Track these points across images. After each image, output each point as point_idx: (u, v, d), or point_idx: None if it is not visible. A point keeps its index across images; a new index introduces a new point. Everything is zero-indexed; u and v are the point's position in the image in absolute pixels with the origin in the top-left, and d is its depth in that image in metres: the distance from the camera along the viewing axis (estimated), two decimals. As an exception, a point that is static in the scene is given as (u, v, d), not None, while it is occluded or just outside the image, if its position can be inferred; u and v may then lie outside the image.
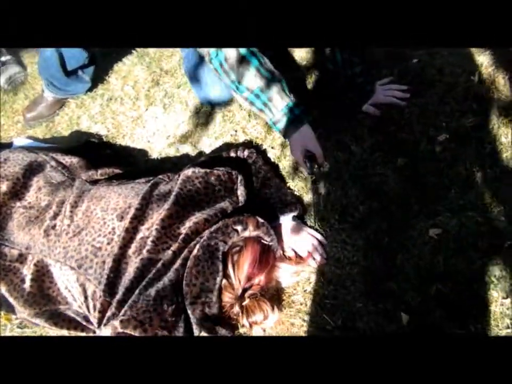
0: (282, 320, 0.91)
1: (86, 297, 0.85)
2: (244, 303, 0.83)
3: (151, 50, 1.55)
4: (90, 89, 1.49)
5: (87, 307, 0.85)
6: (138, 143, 1.36)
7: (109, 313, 0.80)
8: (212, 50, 0.92)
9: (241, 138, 1.23)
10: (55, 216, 0.94)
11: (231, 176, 0.96)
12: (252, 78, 0.92)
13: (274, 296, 0.93)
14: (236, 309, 0.83)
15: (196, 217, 0.88)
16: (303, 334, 0.89)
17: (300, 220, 1.02)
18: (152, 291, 0.79)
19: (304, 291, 0.95)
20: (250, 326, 0.84)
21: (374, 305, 0.87)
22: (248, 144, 1.20)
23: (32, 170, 1.05)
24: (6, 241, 0.95)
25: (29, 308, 0.89)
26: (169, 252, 0.84)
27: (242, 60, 0.92)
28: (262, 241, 0.89)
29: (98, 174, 1.07)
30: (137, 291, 0.79)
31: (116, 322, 0.75)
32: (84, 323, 0.89)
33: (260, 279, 0.85)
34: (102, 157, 1.28)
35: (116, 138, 1.39)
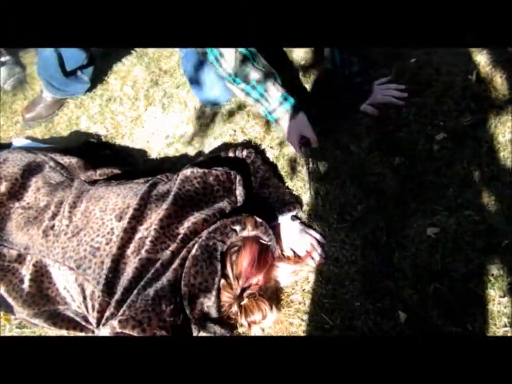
0: (281, 319, 0.92)
1: (84, 298, 0.86)
2: (242, 303, 0.84)
3: (150, 51, 1.56)
4: (89, 90, 1.50)
5: (86, 307, 0.86)
6: (137, 143, 1.36)
7: (107, 313, 0.80)
8: None
9: (240, 138, 1.24)
10: (54, 216, 0.94)
11: (229, 176, 0.97)
12: (248, 71, 0.97)
13: (273, 295, 0.93)
14: (235, 308, 0.83)
15: (195, 217, 0.88)
16: (301, 334, 0.90)
17: (299, 220, 1.02)
18: (150, 291, 0.79)
19: (303, 290, 0.95)
20: (249, 325, 0.84)
21: (372, 304, 0.87)
22: (247, 144, 1.20)
23: (30, 170, 1.05)
24: (5, 242, 0.95)
25: (28, 308, 0.90)
26: (168, 252, 0.84)
27: (238, 54, 0.96)
28: (261, 241, 0.89)
29: (97, 174, 1.07)
30: (135, 291, 0.79)
31: (115, 322, 0.75)
32: (83, 323, 0.89)
33: (258, 278, 0.86)
34: (101, 157, 1.29)
35: (115, 138, 1.40)
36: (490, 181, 0.93)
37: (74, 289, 0.88)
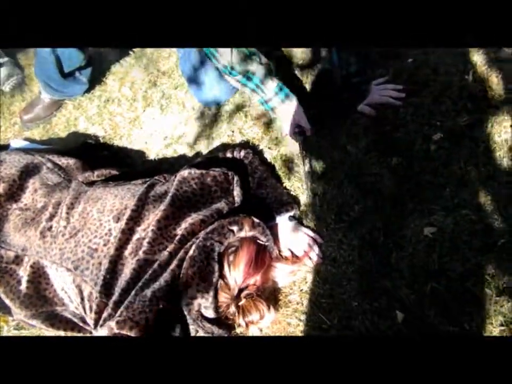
0: (278, 319, 0.92)
1: (82, 299, 0.86)
2: (240, 303, 0.84)
3: (148, 52, 1.56)
4: (87, 91, 1.50)
5: (84, 308, 0.86)
6: (135, 144, 1.36)
7: (105, 314, 0.80)
8: None
9: (238, 139, 1.24)
10: (51, 217, 0.94)
11: (227, 177, 0.97)
12: (244, 63, 1.00)
13: (271, 295, 0.93)
14: (232, 309, 0.84)
15: (192, 218, 0.88)
16: (299, 334, 0.90)
17: (296, 220, 1.02)
18: (148, 292, 0.79)
19: (301, 290, 0.95)
20: (247, 325, 0.85)
21: (369, 304, 0.87)
22: (245, 145, 1.21)
23: (28, 172, 1.05)
24: (2, 243, 0.95)
25: (26, 310, 0.90)
26: (165, 253, 0.84)
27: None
28: (258, 241, 0.89)
29: (94, 175, 1.07)
30: (133, 292, 0.79)
31: (112, 323, 0.75)
32: (81, 324, 0.89)
33: (256, 279, 0.86)
34: (99, 158, 1.29)
35: (113, 139, 1.40)
36: (487, 181, 0.94)
37: (72, 290, 0.88)
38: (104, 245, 0.87)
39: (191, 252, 0.83)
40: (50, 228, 0.93)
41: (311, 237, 0.98)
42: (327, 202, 1.02)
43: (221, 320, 0.85)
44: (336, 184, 1.04)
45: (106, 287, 0.83)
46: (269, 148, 1.18)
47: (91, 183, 1.05)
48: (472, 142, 1.00)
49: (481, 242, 0.87)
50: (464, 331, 0.80)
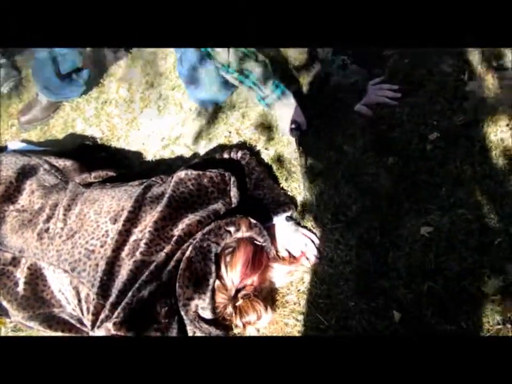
0: (276, 320, 0.92)
1: (79, 300, 0.86)
2: (237, 304, 0.84)
3: (145, 53, 1.56)
4: (84, 92, 1.50)
5: (81, 310, 0.86)
6: (133, 145, 1.36)
7: (102, 316, 0.80)
8: None
9: (235, 139, 1.24)
10: (48, 219, 0.94)
11: (224, 178, 0.97)
12: (241, 61, 1.02)
13: (268, 296, 0.93)
14: (229, 309, 0.84)
15: (189, 219, 0.88)
16: (296, 334, 0.90)
17: (293, 220, 1.02)
18: (145, 293, 0.79)
19: (298, 291, 0.95)
20: (244, 326, 0.85)
21: (366, 304, 0.87)
22: (242, 146, 1.21)
23: (25, 173, 1.05)
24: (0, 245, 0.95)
25: (23, 311, 0.90)
26: (162, 254, 0.84)
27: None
28: (255, 242, 0.90)
29: (92, 176, 1.07)
30: (130, 293, 0.79)
31: (109, 325, 0.75)
32: (78, 325, 0.89)
33: (253, 279, 0.86)
34: (96, 159, 1.29)
35: (110, 140, 1.40)
36: (483, 180, 0.94)
37: (69, 292, 0.88)
38: (101, 246, 0.87)
39: (188, 253, 0.83)
40: (47, 230, 0.93)
41: (308, 237, 0.98)
42: (324, 202, 1.02)
43: (218, 321, 0.85)
44: (333, 184, 1.04)
45: (103, 289, 0.83)
46: (266, 149, 1.18)
47: (88, 185, 1.05)
48: (468, 141, 1.00)
49: (478, 242, 0.87)
50: (461, 330, 0.80)
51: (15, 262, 0.93)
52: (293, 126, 1.12)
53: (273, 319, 0.91)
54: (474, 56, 1.12)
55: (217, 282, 0.84)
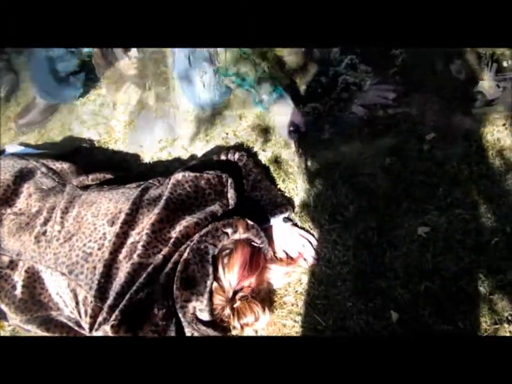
0: (273, 321, 0.92)
1: (77, 303, 0.86)
2: (235, 305, 0.84)
3: (142, 55, 1.56)
4: (82, 95, 1.50)
5: (79, 312, 0.86)
6: (130, 147, 1.36)
7: (100, 319, 0.80)
8: None
9: (232, 141, 1.24)
10: (46, 222, 0.94)
11: (221, 179, 0.97)
12: (238, 65, 1.06)
13: (266, 297, 0.93)
14: (227, 311, 0.84)
15: (186, 221, 0.88)
16: (294, 335, 0.90)
17: (291, 221, 1.02)
18: (143, 295, 0.79)
19: (296, 292, 0.95)
20: (242, 328, 0.85)
21: (364, 304, 0.88)
22: (239, 147, 1.21)
23: (22, 176, 1.05)
24: (-3, 248, 0.95)
25: (21, 314, 0.90)
26: (160, 256, 0.84)
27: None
28: (252, 243, 0.90)
29: (89, 179, 1.07)
30: (128, 296, 0.79)
31: (107, 327, 0.75)
32: (76, 328, 0.89)
33: (250, 281, 0.86)
34: (94, 162, 1.29)
35: (108, 143, 1.40)
36: (480, 180, 0.94)
37: (66, 295, 0.88)
38: (99, 249, 0.87)
39: (185, 255, 0.83)
40: (44, 233, 0.93)
41: (306, 238, 0.98)
42: (321, 203, 1.03)
43: (216, 323, 0.85)
44: (330, 185, 1.04)
45: (101, 291, 0.83)
46: (263, 150, 1.18)
47: (85, 187, 1.05)
48: (465, 141, 1.00)
49: (475, 241, 0.87)
50: (458, 330, 0.80)
51: (12, 265, 0.93)
52: (291, 128, 1.12)
53: (271, 320, 0.91)
54: (473, 56, 1.12)
55: (215, 284, 0.84)
